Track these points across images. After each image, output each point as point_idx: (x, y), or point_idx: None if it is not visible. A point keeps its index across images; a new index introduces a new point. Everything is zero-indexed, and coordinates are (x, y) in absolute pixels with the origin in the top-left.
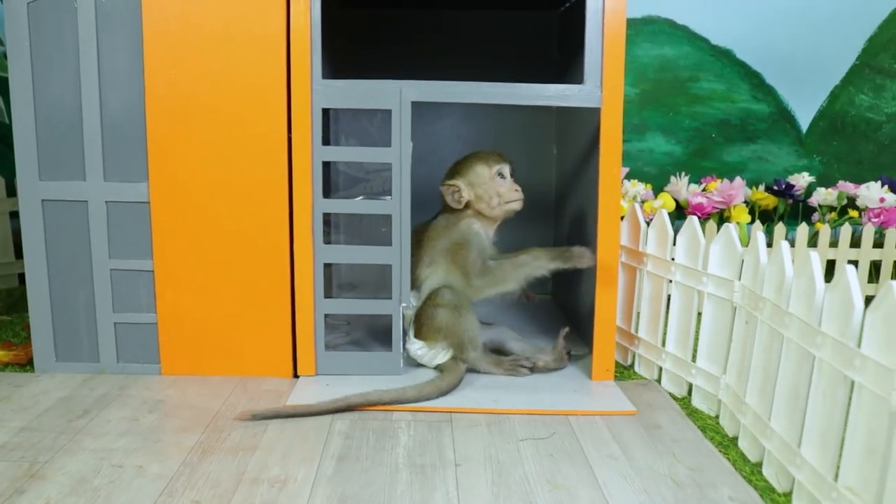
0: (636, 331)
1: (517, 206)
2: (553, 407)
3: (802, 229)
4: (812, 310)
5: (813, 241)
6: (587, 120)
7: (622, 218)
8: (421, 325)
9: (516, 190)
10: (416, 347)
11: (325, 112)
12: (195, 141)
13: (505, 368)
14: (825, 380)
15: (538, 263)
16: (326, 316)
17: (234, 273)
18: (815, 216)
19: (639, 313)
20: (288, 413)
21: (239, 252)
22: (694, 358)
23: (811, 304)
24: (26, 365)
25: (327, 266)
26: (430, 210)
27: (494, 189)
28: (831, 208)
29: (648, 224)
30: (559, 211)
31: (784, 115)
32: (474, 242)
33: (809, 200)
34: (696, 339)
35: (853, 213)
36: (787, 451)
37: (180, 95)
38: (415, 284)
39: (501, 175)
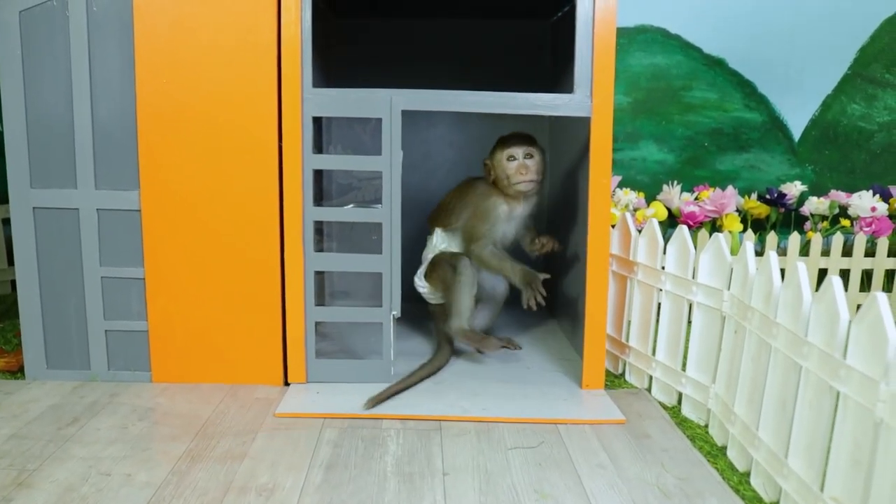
0: (627, 340)
1: (523, 187)
2: (542, 415)
3: (794, 238)
4: (799, 320)
5: (805, 250)
6: (578, 129)
7: (613, 226)
8: (433, 272)
9: (522, 172)
10: (422, 285)
11: (317, 120)
12: (186, 149)
13: (479, 343)
14: (811, 390)
15: (512, 272)
16: (317, 323)
17: (225, 281)
18: (808, 225)
19: (629, 322)
20: (393, 391)
21: (230, 260)
22: (684, 367)
23: (798, 315)
24: (17, 372)
25: (318, 274)
26: (424, 217)
27: (504, 171)
28: (823, 217)
29: (640, 232)
30: (551, 219)
31: (776, 125)
32: (492, 221)
33: (801, 209)
34: (686, 348)
35: (845, 222)
36: (774, 461)
37: (172, 104)
38: (447, 227)
39: (513, 157)
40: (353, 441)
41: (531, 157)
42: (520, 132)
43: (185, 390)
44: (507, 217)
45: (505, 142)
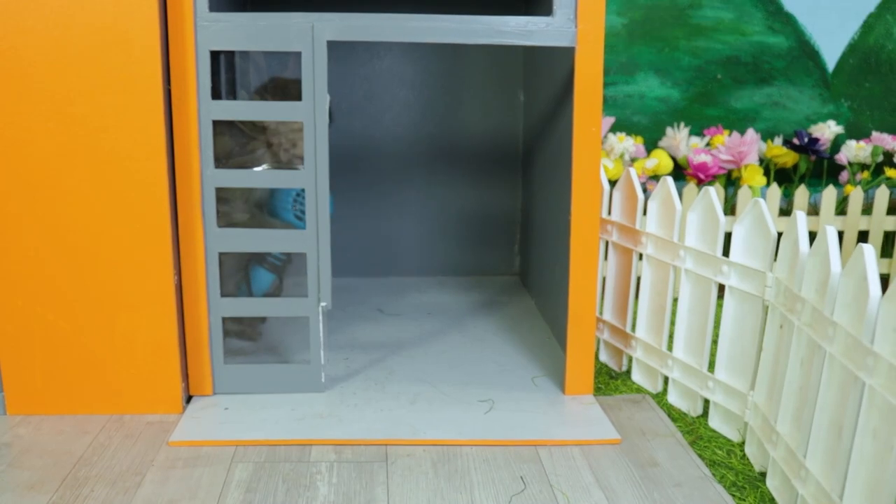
0: (633, 330)
1: None
2: (516, 436)
3: (829, 193)
4: (864, 321)
5: (841, 208)
6: (559, 60)
7: (613, 183)
8: None
9: None
10: None
11: (216, 56)
12: (33, 99)
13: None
14: (878, 416)
15: None
16: (225, 320)
17: (99, 271)
18: (844, 176)
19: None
20: None
21: (102, 243)
22: (711, 367)
23: (862, 314)
24: None
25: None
26: (369, 175)
27: None
28: (863, 166)
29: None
30: (527, 167)
31: (806, 51)
32: None
33: (837, 157)
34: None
35: (890, 173)
36: (825, 501)
37: (13, 30)
38: None
39: None
40: (272, 483)
41: None
42: None
43: (56, 417)
44: None
45: None
